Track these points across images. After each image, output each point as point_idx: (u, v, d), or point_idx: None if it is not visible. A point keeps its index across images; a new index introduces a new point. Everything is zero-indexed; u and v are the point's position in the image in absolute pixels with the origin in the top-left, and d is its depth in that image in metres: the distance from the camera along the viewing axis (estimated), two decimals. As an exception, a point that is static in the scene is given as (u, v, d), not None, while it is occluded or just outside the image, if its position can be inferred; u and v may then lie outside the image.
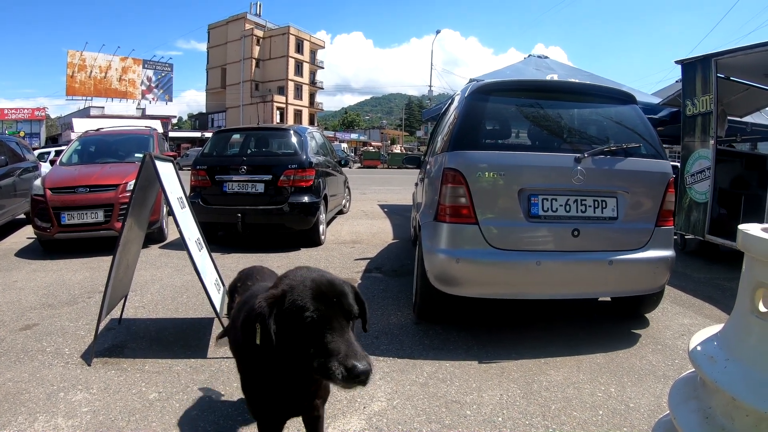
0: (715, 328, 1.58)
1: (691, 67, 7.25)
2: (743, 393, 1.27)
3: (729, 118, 8.61)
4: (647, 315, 4.53)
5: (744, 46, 6.36)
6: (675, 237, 4.69)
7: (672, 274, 4.05)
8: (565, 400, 3.01)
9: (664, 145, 4.37)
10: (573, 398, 3.03)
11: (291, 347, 1.50)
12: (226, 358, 3.53)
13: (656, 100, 10.36)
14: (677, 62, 7.59)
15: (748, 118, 9.98)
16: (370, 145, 70.84)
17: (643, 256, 3.83)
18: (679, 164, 7.41)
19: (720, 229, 6.74)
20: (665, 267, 3.94)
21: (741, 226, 1.44)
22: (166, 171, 3.65)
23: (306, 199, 7.31)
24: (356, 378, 1.40)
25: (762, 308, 1.32)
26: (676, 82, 9.91)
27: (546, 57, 11.65)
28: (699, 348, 1.51)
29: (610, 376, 3.35)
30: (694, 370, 1.55)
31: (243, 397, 2.77)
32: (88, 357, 3.58)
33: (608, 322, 4.47)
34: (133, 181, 6.82)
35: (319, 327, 1.46)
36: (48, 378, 3.29)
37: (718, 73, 6.87)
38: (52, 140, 45.50)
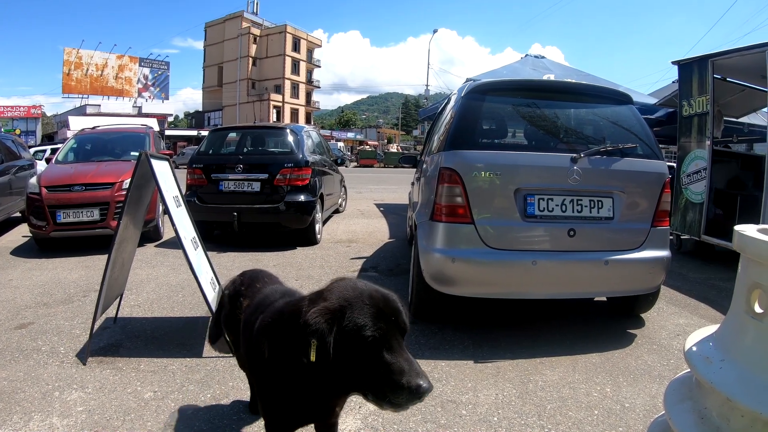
0: (711, 329, 1.59)
1: (687, 68, 7.26)
2: (738, 393, 1.27)
3: (725, 118, 8.63)
4: (643, 315, 4.54)
5: (740, 48, 6.38)
6: (671, 237, 4.70)
7: (668, 274, 4.06)
8: (561, 400, 3.01)
9: (660, 146, 4.38)
10: (568, 398, 3.04)
11: (343, 366, 1.44)
12: (222, 357, 3.52)
13: (653, 101, 10.38)
14: (674, 63, 7.61)
15: (744, 119, 10.00)
16: (367, 144, 70.81)
17: (638, 256, 3.84)
18: (675, 164, 7.43)
19: (716, 229, 6.75)
20: (661, 267, 3.94)
21: (737, 227, 1.44)
22: (162, 169, 3.64)
23: (302, 198, 7.31)
24: (420, 397, 1.38)
25: (758, 309, 1.32)
26: (673, 82, 9.93)
27: (543, 57, 11.67)
28: (694, 348, 1.51)
29: (606, 375, 3.35)
30: (689, 370, 1.55)
31: (238, 398, 2.79)
32: (83, 356, 3.57)
33: (604, 321, 4.48)
34: (129, 179, 6.84)
35: (378, 346, 1.42)
36: (43, 377, 3.28)
37: (715, 74, 6.89)
38: (48, 138, 45.32)
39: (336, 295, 1.51)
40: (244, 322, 2.10)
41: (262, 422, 1.98)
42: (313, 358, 1.43)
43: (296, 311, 1.56)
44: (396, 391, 1.38)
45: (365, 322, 1.42)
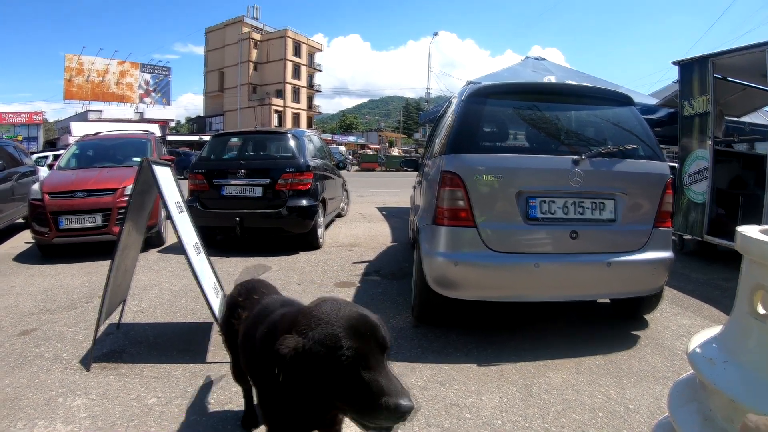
0: (715, 330, 1.58)
1: (688, 68, 7.26)
2: (742, 395, 1.27)
3: (726, 118, 8.62)
4: (646, 316, 4.54)
5: (741, 47, 6.38)
6: (673, 238, 4.69)
7: (671, 275, 4.05)
8: (565, 403, 3.01)
9: (661, 146, 4.37)
10: (572, 400, 3.03)
11: (322, 390, 1.42)
12: (225, 362, 3.51)
13: (653, 101, 10.37)
14: (674, 63, 7.61)
15: (745, 118, 9.99)
16: (368, 148, 70.82)
17: (641, 257, 3.84)
18: (677, 165, 7.42)
19: (718, 229, 6.75)
20: (664, 268, 3.94)
21: (739, 228, 1.44)
22: (163, 175, 3.65)
23: (304, 202, 7.31)
24: (401, 417, 1.34)
25: (761, 310, 1.31)
26: (674, 82, 9.92)
27: (543, 59, 11.67)
28: (698, 350, 1.51)
29: (610, 377, 3.35)
30: (693, 372, 1.55)
31: (243, 403, 2.79)
32: (86, 362, 3.58)
33: (607, 323, 4.47)
34: (131, 185, 6.84)
35: (354, 366, 1.38)
36: (47, 383, 3.29)
37: (715, 74, 6.89)
38: (50, 144, 45.38)
39: (310, 320, 1.48)
40: (244, 333, 2.09)
41: (264, 429, 1.99)
42: (280, 381, 1.44)
43: (274, 331, 1.61)
44: (375, 412, 1.35)
45: (338, 344, 1.39)
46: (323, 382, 1.40)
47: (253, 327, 1.95)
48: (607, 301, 4.81)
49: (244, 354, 2.07)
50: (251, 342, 1.89)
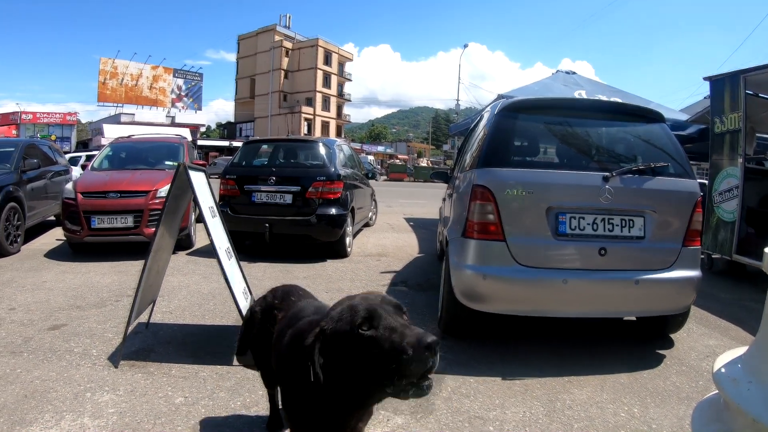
0: (741, 350, 1.58)
1: (719, 84, 7.18)
2: (765, 415, 1.27)
3: (758, 135, 8.50)
4: (672, 335, 4.49)
5: (773, 63, 6.30)
6: (702, 256, 4.64)
7: (698, 294, 4.01)
8: (588, 420, 2.99)
9: (691, 162, 4.33)
10: (596, 417, 3.02)
11: (354, 365, 1.44)
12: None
13: (684, 117, 10.26)
14: (706, 79, 7.53)
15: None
16: (397, 158, 70.91)
17: (669, 276, 3.80)
18: (706, 182, 7.33)
19: (748, 248, 6.64)
20: (691, 287, 3.90)
21: (767, 250, 1.44)
22: (198, 180, 3.71)
23: (333, 211, 7.36)
24: (430, 349, 1.35)
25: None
26: (705, 98, 9.82)
27: (574, 72, 11.60)
28: (723, 370, 1.52)
29: (634, 396, 3.33)
30: (717, 391, 1.55)
31: (268, 405, 2.83)
32: (115, 359, 3.64)
33: (633, 341, 4.44)
34: (163, 188, 6.98)
35: (373, 325, 1.44)
36: (75, 378, 3.36)
37: (747, 90, 6.80)
38: (83, 145, 46.28)
39: (331, 314, 1.53)
40: (278, 333, 2.11)
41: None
42: (312, 379, 1.46)
43: (301, 335, 1.64)
44: (400, 357, 1.37)
45: (354, 311, 1.46)
46: (352, 355, 1.43)
47: (286, 327, 1.97)
48: (634, 319, 4.77)
49: (275, 354, 2.09)
50: (281, 342, 1.92)
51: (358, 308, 1.46)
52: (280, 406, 2.65)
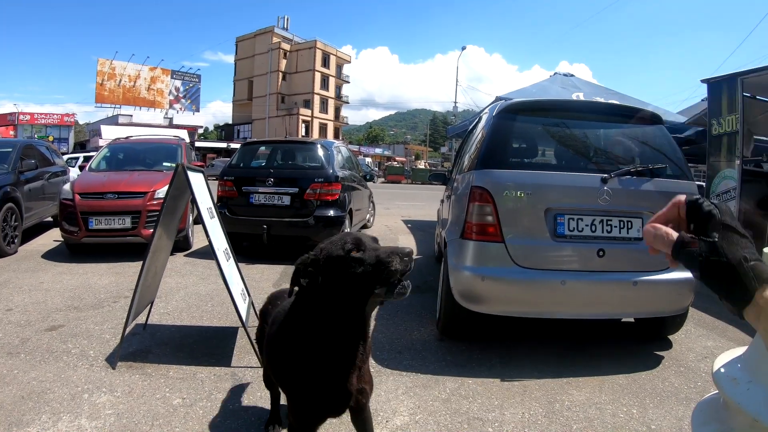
0: (740, 350, 1.57)
1: (717, 86, 7.20)
2: (765, 415, 1.27)
3: (755, 137, 8.52)
4: (670, 337, 4.49)
5: (770, 65, 6.31)
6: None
7: (696, 295, 4.02)
8: (587, 421, 2.99)
9: (689, 165, 4.34)
10: (595, 419, 3.02)
11: (348, 281, 1.73)
12: (251, 367, 3.57)
13: (682, 119, 10.27)
14: (703, 81, 7.55)
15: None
16: (395, 160, 70.92)
17: (667, 277, 3.80)
18: (704, 184, 7.34)
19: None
20: (689, 289, 3.90)
21: (766, 250, 1.44)
22: (197, 181, 3.71)
23: (331, 212, 7.38)
24: (406, 255, 1.72)
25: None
26: (702, 100, 9.83)
27: (572, 75, 11.60)
28: (722, 369, 1.50)
29: (632, 397, 3.33)
30: (717, 392, 1.54)
31: (268, 407, 2.82)
32: (113, 360, 3.64)
33: (631, 343, 4.44)
34: (161, 189, 6.97)
35: (356, 250, 1.73)
36: (72, 379, 3.35)
37: (744, 92, 6.81)
38: (81, 146, 46.19)
39: (323, 246, 1.83)
40: (267, 334, 2.29)
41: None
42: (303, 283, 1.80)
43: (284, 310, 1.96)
44: (386, 266, 1.69)
45: (343, 242, 1.77)
46: (345, 271, 1.73)
47: (272, 326, 2.16)
48: (632, 320, 4.78)
49: (267, 348, 2.26)
50: (270, 334, 2.16)
51: (346, 238, 1.78)
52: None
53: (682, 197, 0.92)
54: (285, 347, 1.93)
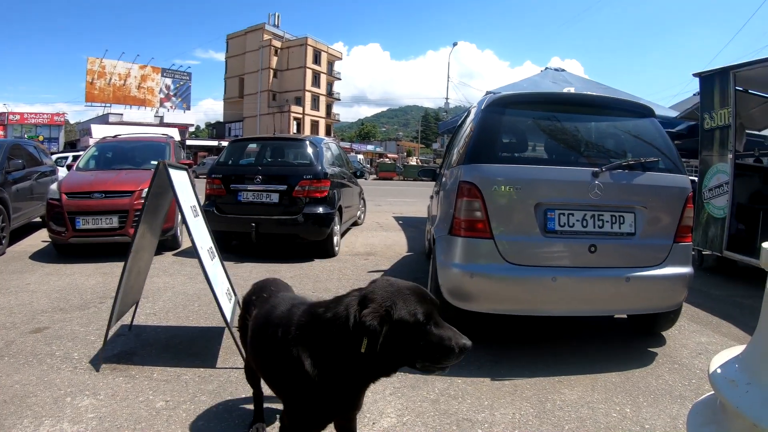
0: (737, 350, 1.53)
1: (709, 80, 7.17)
2: (765, 419, 1.22)
3: (747, 131, 8.51)
4: (664, 333, 4.46)
5: (762, 59, 6.28)
6: (692, 253, 4.61)
7: (690, 291, 3.98)
8: (579, 420, 2.94)
9: (682, 159, 4.31)
10: (587, 418, 2.97)
11: (395, 349, 1.70)
12: (236, 368, 3.51)
13: (674, 114, 10.29)
14: (695, 75, 7.53)
15: (766, 132, 9.85)
16: (386, 157, 71.09)
17: (660, 272, 3.76)
18: (696, 178, 7.32)
19: (738, 245, 6.64)
20: (683, 284, 3.87)
21: (765, 245, 1.39)
22: (179, 179, 3.64)
23: (320, 210, 7.31)
24: (466, 352, 1.73)
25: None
26: (694, 95, 9.82)
27: (563, 70, 11.61)
28: (719, 371, 1.46)
29: (626, 395, 3.28)
30: (713, 392, 1.50)
31: (251, 409, 2.76)
32: (96, 363, 3.58)
33: (624, 340, 4.40)
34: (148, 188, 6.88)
35: (428, 324, 1.73)
36: (56, 382, 3.29)
37: (737, 86, 6.79)
38: (71, 145, 46.04)
39: (379, 295, 1.76)
40: (254, 330, 2.24)
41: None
42: (363, 350, 1.69)
43: (338, 315, 1.80)
44: (449, 354, 1.72)
45: (415, 310, 1.72)
46: (399, 344, 1.70)
47: (266, 327, 2.06)
48: (624, 316, 4.74)
49: (255, 351, 2.21)
50: (268, 340, 2.03)
51: (416, 310, 1.73)
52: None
53: None
54: (293, 363, 1.86)
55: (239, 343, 3.22)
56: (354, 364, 1.75)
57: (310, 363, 1.81)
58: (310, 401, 1.85)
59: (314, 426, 1.91)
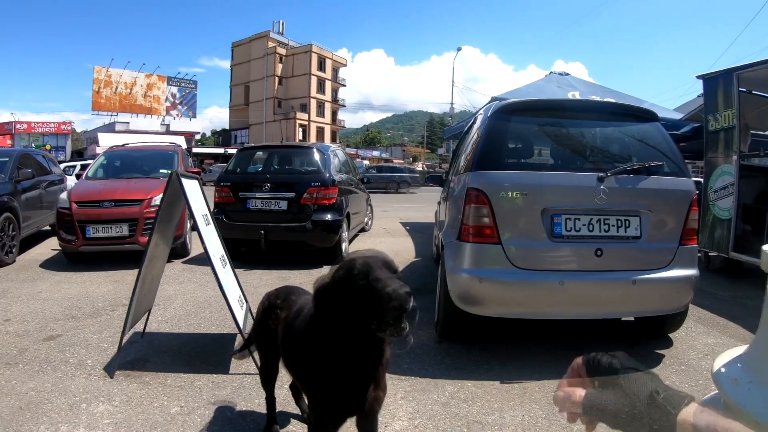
0: (740, 349, 1.55)
1: (712, 82, 7.18)
2: (766, 416, 1.25)
3: (752, 132, 8.51)
4: (671, 335, 4.46)
5: (765, 60, 6.29)
6: (699, 254, 4.63)
7: (696, 292, 4.00)
8: (588, 422, 2.96)
9: (686, 161, 4.33)
10: (596, 420, 2.99)
11: (351, 309, 1.72)
12: (249, 374, 3.54)
13: (678, 116, 10.27)
14: (699, 77, 7.53)
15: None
16: (392, 163, 70.97)
17: (666, 275, 3.79)
18: (702, 180, 7.33)
19: (744, 246, 6.63)
20: (689, 286, 3.89)
21: (765, 247, 1.42)
22: (191, 188, 3.69)
23: (329, 216, 7.35)
24: (403, 301, 1.67)
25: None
26: (698, 96, 9.81)
27: (567, 74, 11.60)
28: (723, 369, 1.48)
29: (634, 397, 3.29)
30: (717, 391, 1.53)
31: (265, 415, 2.80)
32: (110, 369, 3.62)
33: (631, 342, 4.40)
34: (158, 196, 6.95)
35: (365, 276, 1.70)
36: (70, 389, 3.33)
37: (740, 87, 6.79)
38: (78, 154, 46.20)
39: (336, 270, 1.81)
40: (285, 328, 2.28)
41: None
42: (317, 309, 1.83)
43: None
44: (384, 306, 1.66)
45: (352, 266, 1.74)
46: (349, 300, 1.72)
47: (295, 321, 2.18)
48: (631, 319, 4.76)
49: (286, 346, 2.25)
50: (293, 333, 2.13)
51: (356, 264, 1.74)
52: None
53: (579, 359, 0.96)
54: (305, 350, 1.98)
55: (253, 355, 3.23)
56: (326, 330, 1.83)
57: (315, 342, 1.91)
58: (325, 383, 1.91)
59: (333, 412, 1.97)
